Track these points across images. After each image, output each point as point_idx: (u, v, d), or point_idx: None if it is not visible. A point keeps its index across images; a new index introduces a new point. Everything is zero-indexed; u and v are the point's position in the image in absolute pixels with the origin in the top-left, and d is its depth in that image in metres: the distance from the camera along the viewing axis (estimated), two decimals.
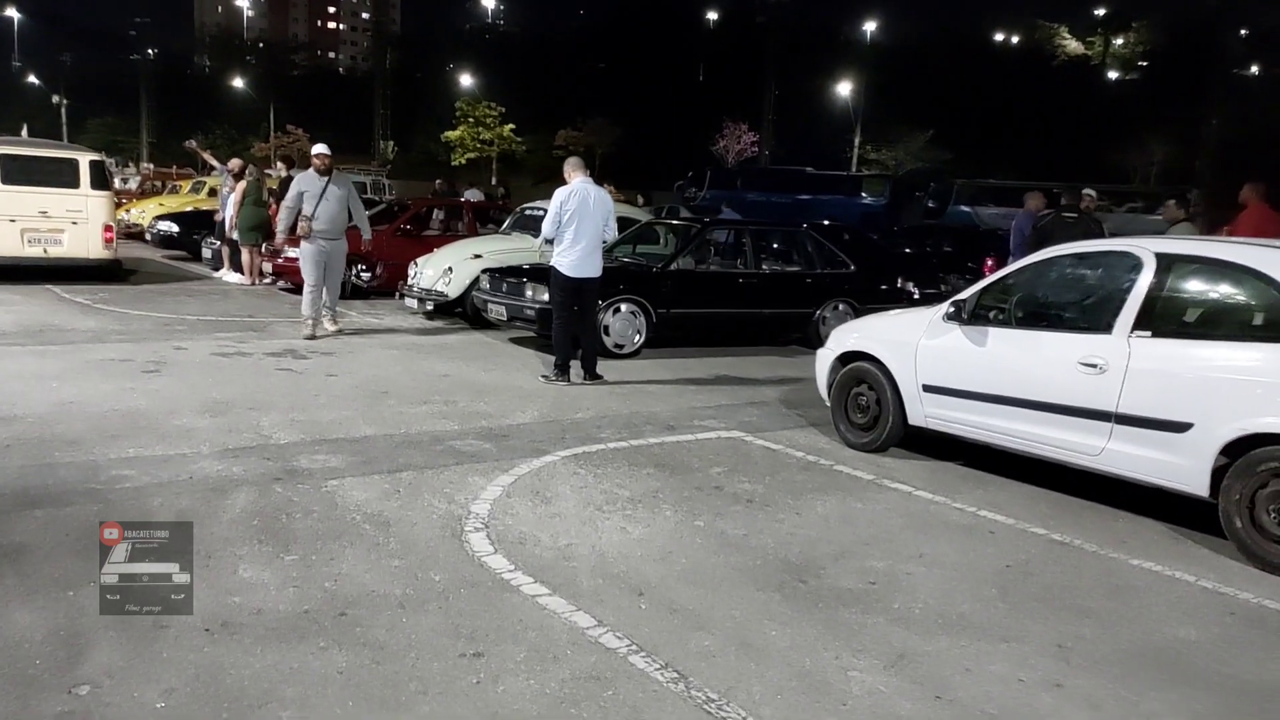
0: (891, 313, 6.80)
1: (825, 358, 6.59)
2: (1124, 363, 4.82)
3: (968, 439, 5.79)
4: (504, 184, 39.60)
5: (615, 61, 70.91)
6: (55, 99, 58.98)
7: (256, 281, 13.78)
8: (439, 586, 3.78)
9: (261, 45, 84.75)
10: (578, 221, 7.78)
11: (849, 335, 6.53)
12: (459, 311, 11.29)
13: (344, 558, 4.03)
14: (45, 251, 12.53)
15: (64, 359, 7.86)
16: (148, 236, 18.52)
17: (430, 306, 11.29)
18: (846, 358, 6.40)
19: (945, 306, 5.80)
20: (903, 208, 25.95)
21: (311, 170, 9.75)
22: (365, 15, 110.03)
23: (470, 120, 59.34)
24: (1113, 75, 74.81)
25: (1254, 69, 61.75)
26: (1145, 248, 5.08)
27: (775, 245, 11.14)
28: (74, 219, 12.62)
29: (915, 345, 5.84)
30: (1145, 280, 4.91)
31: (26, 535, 4.03)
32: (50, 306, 10.75)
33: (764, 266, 10.46)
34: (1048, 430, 5.19)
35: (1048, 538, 4.75)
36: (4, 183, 12.27)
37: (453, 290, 11.08)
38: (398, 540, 4.26)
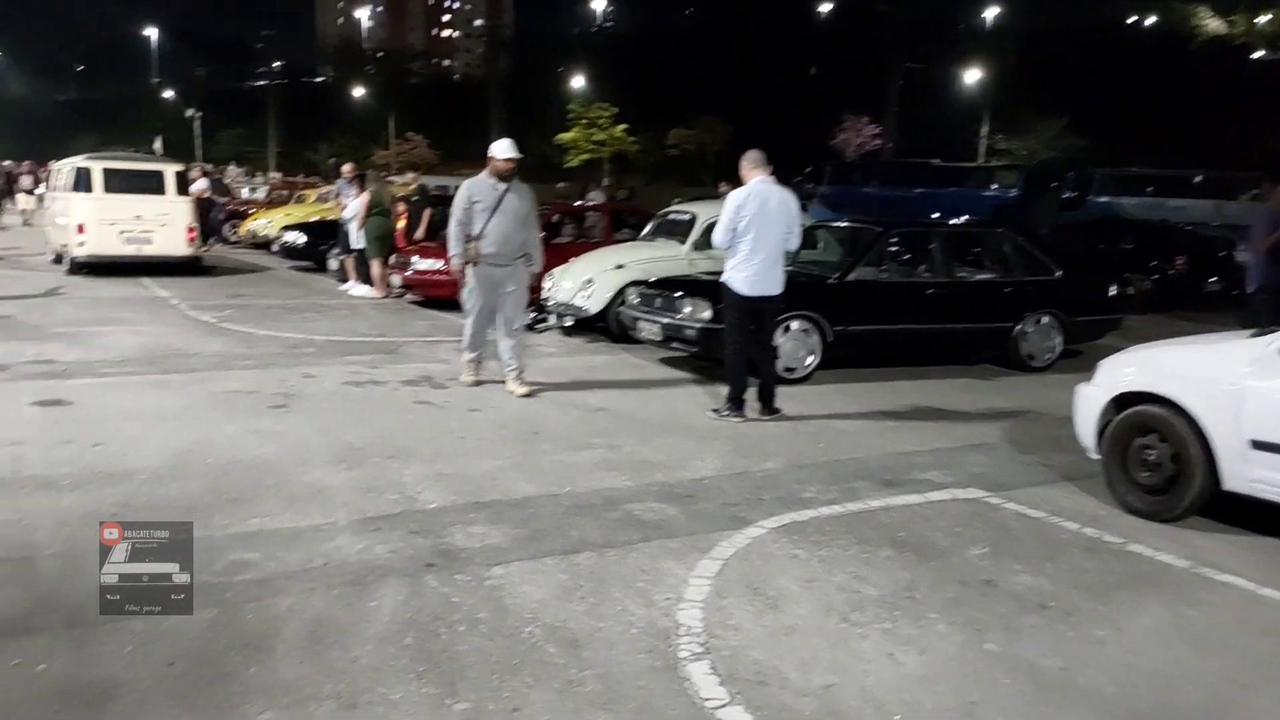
0: (1182, 342, 5.38)
1: (1092, 398, 5.23)
2: None
3: None
4: (620, 184, 38.69)
5: (727, 57, 69.50)
6: (189, 112, 61.06)
7: (385, 295, 13.07)
8: None
9: (380, 55, 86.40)
10: (756, 229, 6.60)
11: (1125, 370, 5.15)
12: (599, 326, 10.27)
13: (530, 706, 2.96)
14: (139, 250, 14.45)
15: (186, 392, 7.11)
16: (274, 248, 18.18)
17: (570, 322, 10.30)
18: (1124, 399, 5.03)
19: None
20: (1036, 200, 24.06)
21: (485, 175, 7.46)
22: (479, 22, 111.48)
23: (584, 122, 58.88)
24: (1258, 54, 69.41)
25: None
26: None
27: (967, 249, 9.70)
28: (162, 221, 14.58)
29: (1238, 387, 4.44)
30: None
31: (118, 664, 3.08)
32: (175, 327, 10.17)
33: (955, 274, 9.05)
34: None
35: None
36: (106, 191, 14.28)
37: (594, 304, 10.05)
38: (595, 675, 3.16)
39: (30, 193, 26.52)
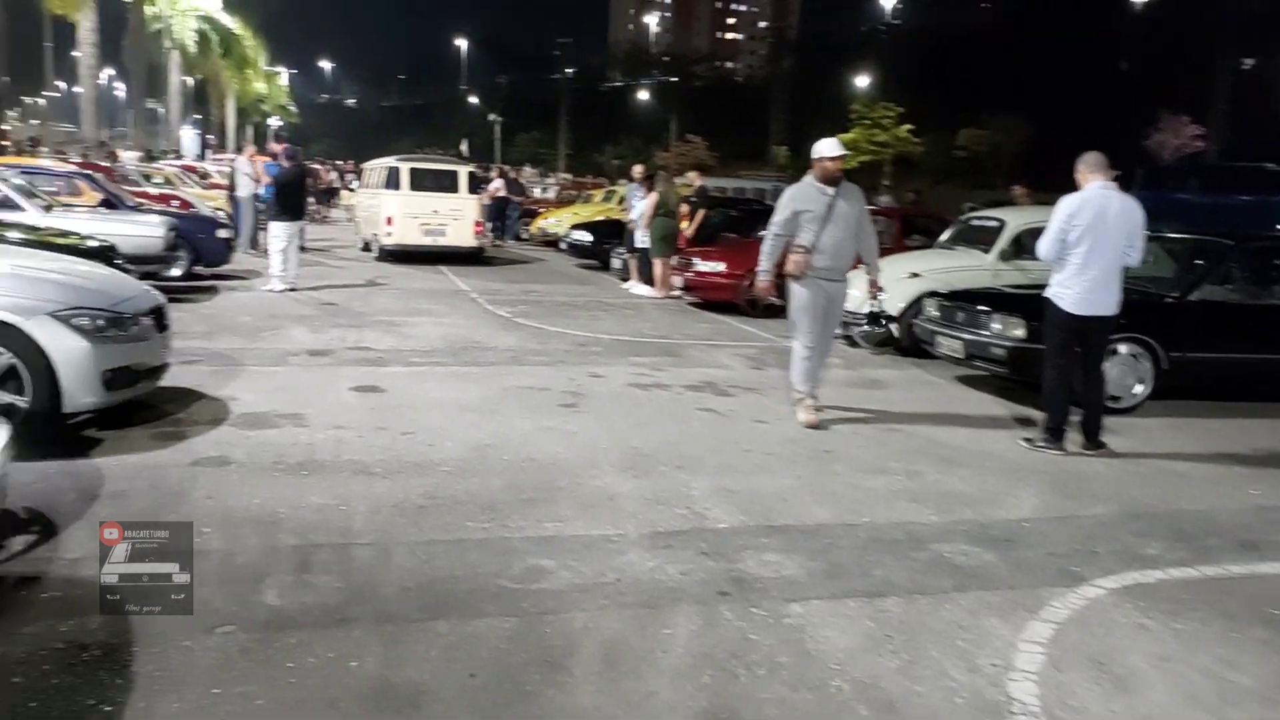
0: None
1: None
2: None
3: None
4: (904, 186, 37.22)
5: (1026, 53, 65.13)
6: (491, 117, 65.56)
7: (666, 295, 13.15)
8: None
9: (666, 59, 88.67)
10: (1091, 241, 5.86)
11: None
12: (890, 338, 9.67)
13: None
14: (435, 241, 16.24)
15: (483, 385, 7.36)
16: (562, 245, 18.91)
17: (877, 329, 9.62)
18: None
19: None
20: None
21: (809, 180, 6.61)
22: (764, 24, 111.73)
23: (866, 122, 57.37)
24: None
25: None
26: None
27: None
28: (455, 216, 16.36)
29: None
30: None
31: (425, 669, 3.06)
32: (474, 320, 10.70)
33: None
34: None
35: None
36: (411, 189, 16.20)
37: (887, 314, 9.48)
38: None
39: (351, 189, 29.37)
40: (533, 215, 23.50)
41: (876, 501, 5.05)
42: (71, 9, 26.26)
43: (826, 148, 6.55)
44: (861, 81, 61.55)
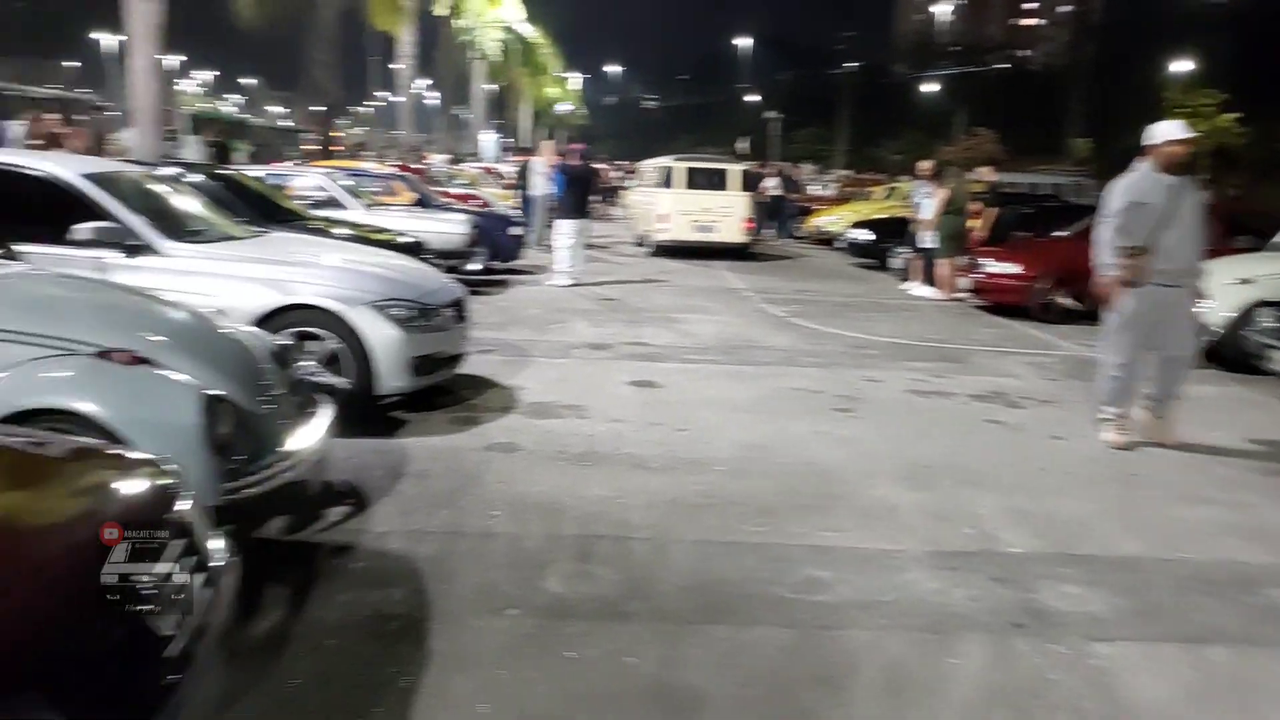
0: None
1: None
2: None
3: None
4: (1224, 180, 33.34)
5: None
6: (769, 114, 65.56)
7: (948, 296, 12.51)
8: None
9: (955, 49, 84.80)
10: None
11: None
12: (1213, 352, 8.63)
13: None
14: (705, 237, 16.80)
15: (754, 385, 7.30)
16: (838, 243, 18.53)
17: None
18: None
19: None
20: None
21: (1148, 169, 5.75)
22: (1066, 8, 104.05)
23: (1185, 110, 51.90)
24: None
25: None
26: None
27: None
28: (725, 213, 16.86)
29: None
30: None
31: (702, 674, 3.03)
32: (748, 318, 10.68)
33: None
34: None
35: None
36: (684, 187, 16.91)
37: (1212, 324, 8.47)
38: None
39: (625, 188, 30.33)
40: (808, 213, 23.22)
41: (1196, 535, 4.49)
42: (394, 26, 28.96)
43: (1170, 130, 5.72)
44: (1178, 67, 55.74)
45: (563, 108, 60.25)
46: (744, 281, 14.01)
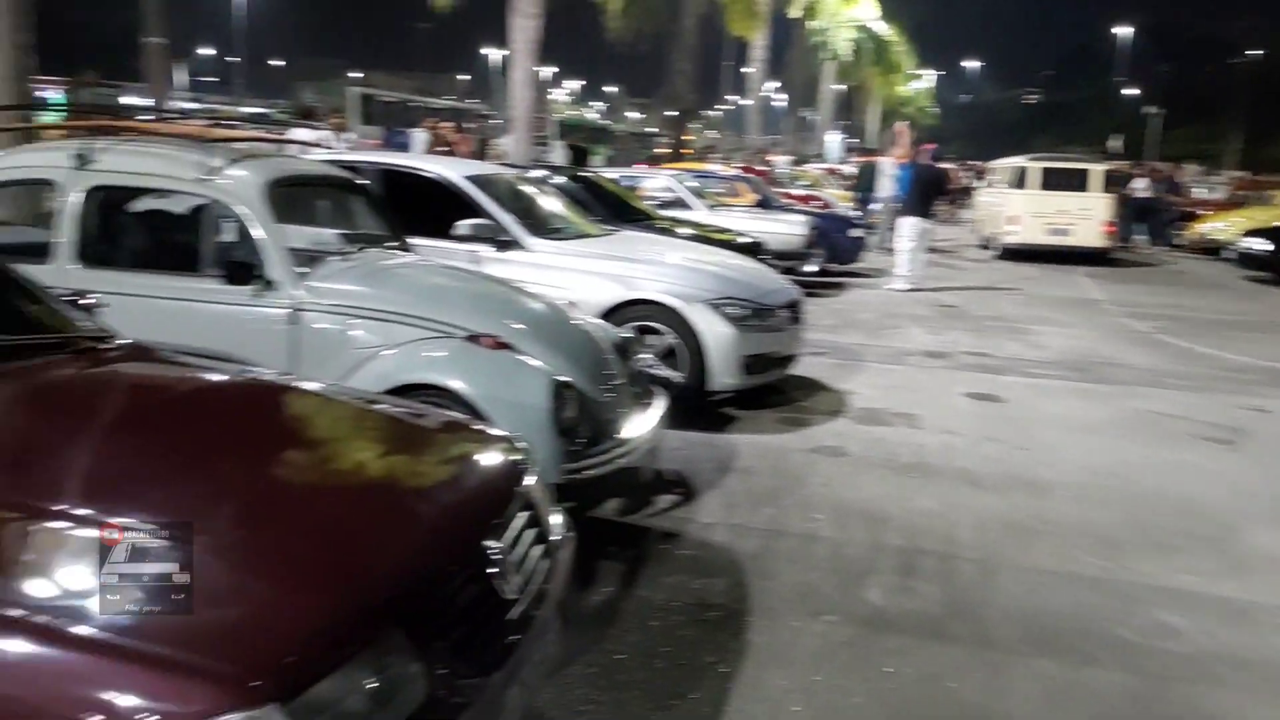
0: None
1: None
2: None
3: None
4: None
5: None
6: (1146, 109, 59.43)
7: None
8: None
9: None
10: None
11: None
12: None
13: None
14: (1059, 240, 16.02)
15: (1106, 405, 6.68)
16: (1226, 254, 16.43)
17: None
18: None
19: None
20: None
21: None
22: None
23: None
24: None
25: None
26: None
27: None
28: (1082, 216, 16.02)
29: None
30: None
31: (1029, 709, 2.85)
32: (1105, 333, 9.78)
33: None
34: None
35: None
36: (1041, 188, 16.21)
37: None
38: None
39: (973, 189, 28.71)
40: (1191, 218, 20.76)
41: None
42: (749, 31, 29.57)
43: None
44: None
45: (913, 106, 58.44)
46: (1104, 291, 12.86)
